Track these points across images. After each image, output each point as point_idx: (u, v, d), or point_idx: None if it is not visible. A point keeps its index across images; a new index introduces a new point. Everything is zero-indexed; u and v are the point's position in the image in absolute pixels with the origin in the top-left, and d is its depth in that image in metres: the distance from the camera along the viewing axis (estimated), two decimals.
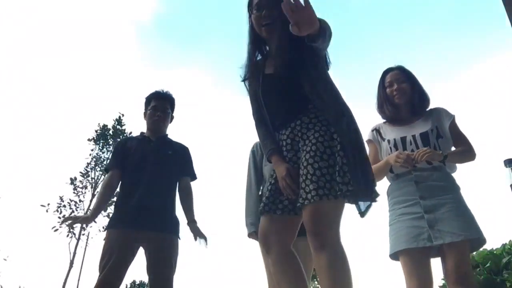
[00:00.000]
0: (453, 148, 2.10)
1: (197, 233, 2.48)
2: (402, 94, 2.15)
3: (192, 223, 2.53)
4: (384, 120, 2.26)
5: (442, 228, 1.84)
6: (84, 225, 13.41)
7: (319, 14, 1.40)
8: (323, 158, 1.44)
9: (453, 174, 2.07)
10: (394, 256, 1.98)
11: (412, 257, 1.91)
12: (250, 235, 2.42)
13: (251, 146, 2.68)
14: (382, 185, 2.13)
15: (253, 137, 2.50)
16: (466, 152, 2.07)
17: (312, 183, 1.41)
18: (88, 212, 2.49)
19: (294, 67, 1.59)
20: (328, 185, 1.41)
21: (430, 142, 2.01)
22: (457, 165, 2.11)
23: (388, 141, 2.12)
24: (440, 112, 2.14)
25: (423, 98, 2.17)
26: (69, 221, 2.64)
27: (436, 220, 1.86)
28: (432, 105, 2.22)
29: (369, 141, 2.24)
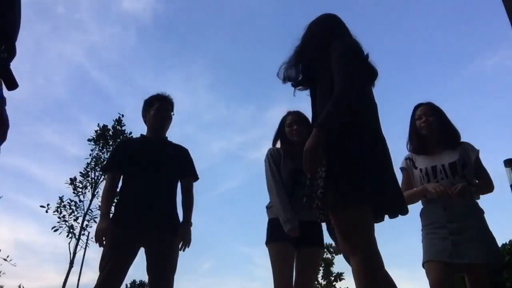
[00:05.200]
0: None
1: (184, 234, 2.48)
2: (428, 126, 2.35)
3: (185, 224, 2.54)
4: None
5: (464, 250, 2.06)
6: (84, 225, 13.43)
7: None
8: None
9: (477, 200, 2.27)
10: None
11: (434, 269, 2.11)
12: (291, 230, 2.29)
13: (267, 151, 2.66)
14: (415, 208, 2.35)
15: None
16: (486, 186, 2.30)
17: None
18: (103, 221, 2.43)
19: None
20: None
21: (458, 171, 2.22)
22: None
23: (420, 169, 2.32)
24: (466, 146, 2.34)
25: (454, 133, 2.37)
26: (100, 239, 2.35)
27: (460, 242, 2.08)
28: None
29: (403, 169, 2.45)
